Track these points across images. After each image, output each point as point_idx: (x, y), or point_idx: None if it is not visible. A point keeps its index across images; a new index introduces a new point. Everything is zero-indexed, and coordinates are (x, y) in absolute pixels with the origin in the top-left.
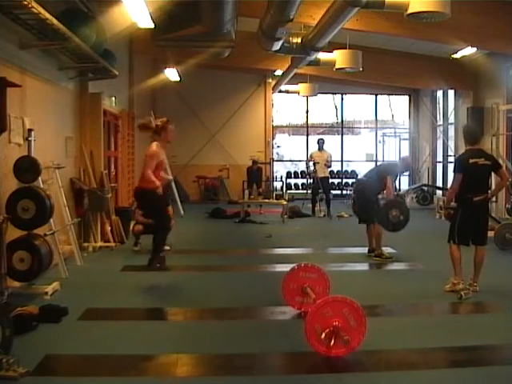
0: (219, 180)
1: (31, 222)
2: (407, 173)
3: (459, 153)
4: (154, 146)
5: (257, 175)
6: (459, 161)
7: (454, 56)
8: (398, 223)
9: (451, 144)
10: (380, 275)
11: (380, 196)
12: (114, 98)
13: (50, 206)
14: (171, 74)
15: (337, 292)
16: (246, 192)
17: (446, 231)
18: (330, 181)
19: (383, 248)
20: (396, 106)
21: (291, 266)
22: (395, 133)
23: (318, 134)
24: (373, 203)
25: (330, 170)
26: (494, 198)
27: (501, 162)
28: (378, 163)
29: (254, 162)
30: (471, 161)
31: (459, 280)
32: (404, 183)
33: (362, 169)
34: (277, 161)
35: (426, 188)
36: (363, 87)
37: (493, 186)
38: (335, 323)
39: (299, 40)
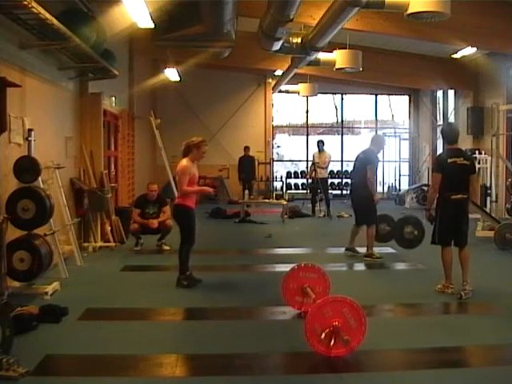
0: (219, 180)
1: (31, 222)
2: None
3: None
4: (185, 161)
5: (248, 164)
6: (438, 160)
7: (454, 56)
8: (413, 239)
9: None
10: (380, 275)
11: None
12: (114, 98)
13: (50, 206)
14: (171, 73)
15: (337, 292)
16: (246, 192)
17: None
18: (330, 181)
19: (383, 248)
20: (396, 106)
21: (291, 265)
22: (395, 133)
23: (318, 134)
24: (366, 204)
25: (329, 170)
26: (494, 198)
27: (501, 162)
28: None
29: (246, 149)
30: (450, 160)
31: (449, 284)
32: (404, 183)
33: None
34: (277, 161)
35: (425, 188)
36: (363, 87)
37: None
38: (335, 323)
39: (299, 40)
